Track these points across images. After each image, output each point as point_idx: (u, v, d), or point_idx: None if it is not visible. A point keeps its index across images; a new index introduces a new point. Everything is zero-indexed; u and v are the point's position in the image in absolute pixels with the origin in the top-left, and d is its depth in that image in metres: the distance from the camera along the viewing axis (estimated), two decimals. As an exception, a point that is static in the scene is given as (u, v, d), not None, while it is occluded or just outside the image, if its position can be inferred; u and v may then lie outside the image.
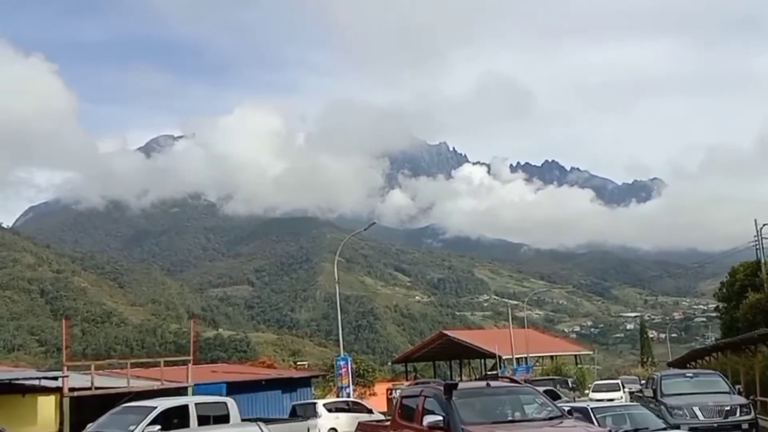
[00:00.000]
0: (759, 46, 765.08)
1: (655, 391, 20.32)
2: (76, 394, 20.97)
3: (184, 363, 25.93)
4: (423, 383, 12.57)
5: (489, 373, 62.86)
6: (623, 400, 32.16)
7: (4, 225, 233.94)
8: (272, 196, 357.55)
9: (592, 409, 14.23)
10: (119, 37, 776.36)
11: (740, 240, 50.46)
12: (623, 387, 38.39)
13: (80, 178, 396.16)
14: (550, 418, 10.70)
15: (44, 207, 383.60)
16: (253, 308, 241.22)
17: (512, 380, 12.47)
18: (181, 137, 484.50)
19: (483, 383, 11.72)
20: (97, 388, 21.76)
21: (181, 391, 24.66)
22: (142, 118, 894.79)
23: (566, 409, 11.35)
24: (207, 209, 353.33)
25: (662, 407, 18.86)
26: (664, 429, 14.50)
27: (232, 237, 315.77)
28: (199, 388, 25.93)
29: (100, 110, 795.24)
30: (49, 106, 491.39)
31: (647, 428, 13.96)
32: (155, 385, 24.11)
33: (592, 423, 12.84)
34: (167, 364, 26.12)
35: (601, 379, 50.94)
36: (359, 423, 15.09)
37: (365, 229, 45.02)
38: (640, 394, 25.01)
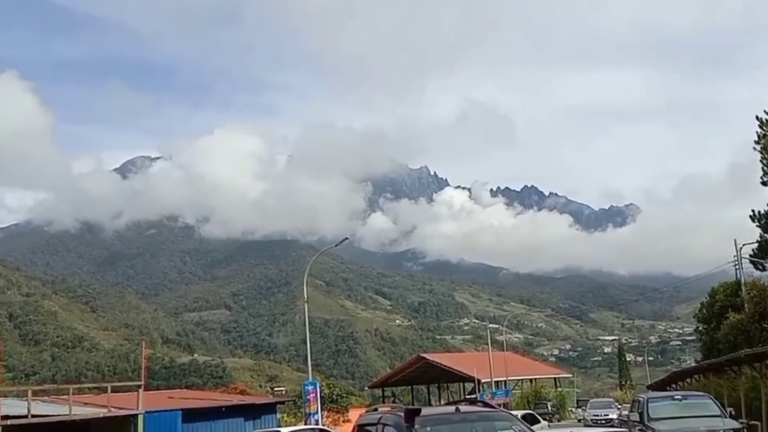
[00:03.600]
0: (729, 78, 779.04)
1: (641, 415, 18.87)
2: (9, 422, 18.98)
3: (136, 389, 23.96)
4: (394, 407, 10.89)
5: (467, 396, 61.25)
6: None
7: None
8: (251, 218, 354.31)
9: (576, 436, 12.64)
10: (95, 56, 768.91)
11: (713, 265, 49.98)
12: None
13: (53, 200, 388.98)
14: (528, 449, 9.14)
15: (15, 229, 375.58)
16: (230, 333, 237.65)
17: (485, 404, 10.80)
18: (158, 158, 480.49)
19: (451, 408, 10.03)
20: (34, 416, 19.77)
21: (130, 419, 22.77)
22: (119, 139, 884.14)
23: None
24: (184, 231, 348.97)
25: (649, 432, 17.41)
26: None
27: (209, 260, 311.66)
28: (151, 417, 24.02)
29: (75, 130, 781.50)
30: (23, 125, 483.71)
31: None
32: (101, 412, 22.15)
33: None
34: (116, 389, 24.12)
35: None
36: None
37: (337, 245, 43.41)
38: (626, 419, 23.52)
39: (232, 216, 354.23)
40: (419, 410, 9.28)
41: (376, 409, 11.49)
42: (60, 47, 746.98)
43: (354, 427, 11.19)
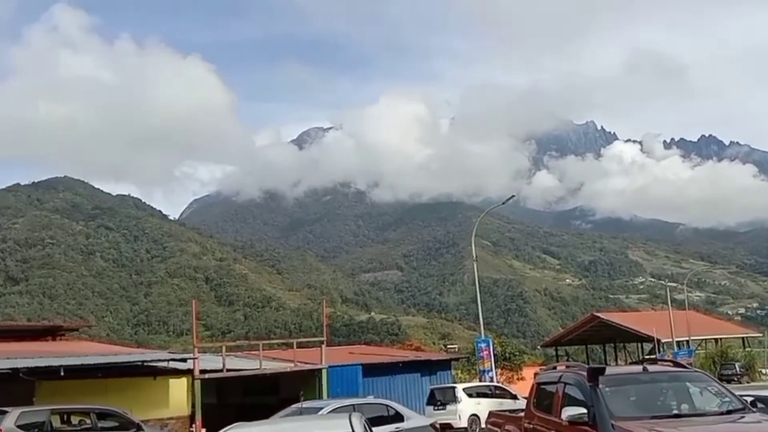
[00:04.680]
0: None
1: None
2: (207, 376, 20.72)
3: (319, 345, 25.24)
4: (570, 366, 10.56)
5: (647, 357, 58.72)
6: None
7: (171, 217, 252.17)
8: (418, 182, 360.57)
9: (779, 399, 11.57)
10: (268, 36, 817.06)
11: None
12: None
13: (239, 172, 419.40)
14: (728, 412, 8.44)
15: (207, 199, 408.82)
16: (403, 292, 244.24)
17: (676, 364, 10.16)
18: (330, 128, 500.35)
19: (638, 368, 9.52)
20: (228, 370, 21.45)
21: (315, 373, 24.04)
22: (294, 112, 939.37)
23: (748, 399, 8.97)
24: (356, 197, 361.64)
25: None
26: None
27: (380, 223, 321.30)
28: (334, 371, 25.23)
29: (255, 106, 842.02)
30: (209, 105, 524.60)
31: None
32: (288, 367, 23.58)
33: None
34: (301, 345, 25.55)
35: None
36: (490, 413, 13.36)
37: (504, 203, 42.85)
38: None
39: (400, 180, 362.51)
40: (603, 369, 8.91)
41: (554, 368, 11.20)
42: (236, 29, 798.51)
43: (533, 385, 10.97)
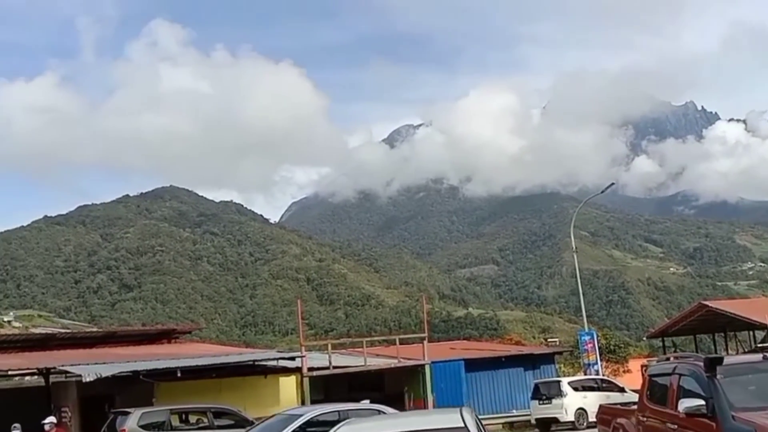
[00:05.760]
0: None
1: None
2: (315, 373, 21.27)
3: (420, 340, 25.44)
4: (684, 356, 10.24)
5: (760, 345, 55.83)
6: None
7: (272, 221, 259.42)
8: (511, 174, 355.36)
9: None
10: (355, 37, 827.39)
11: None
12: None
13: (334, 173, 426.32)
14: None
15: (305, 202, 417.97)
16: (500, 287, 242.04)
17: (798, 352, 9.70)
18: (420, 125, 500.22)
19: (758, 356, 9.16)
20: (335, 367, 21.95)
21: (419, 369, 24.26)
22: (384, 111, 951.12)
23: None
24: (449, 192, 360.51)
25: None
26: None
27: (474, 218, 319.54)
28: (437, 366, 25.38)
29: (346, 107, 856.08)
30: (302, 108, 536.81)
31: None
32: (392, 363, 23.90)
33: None
34: (403, 342, 25.84)
35: None
36: (600, 406, 13.08)
37: (603, 191, 41.89)
38: None
39: (493, 174, 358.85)
40: (721, 359, 8.64)
41: (668, 359, 10.94)
42: (323, 32, 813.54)
43: (645, 378, 10.75)
